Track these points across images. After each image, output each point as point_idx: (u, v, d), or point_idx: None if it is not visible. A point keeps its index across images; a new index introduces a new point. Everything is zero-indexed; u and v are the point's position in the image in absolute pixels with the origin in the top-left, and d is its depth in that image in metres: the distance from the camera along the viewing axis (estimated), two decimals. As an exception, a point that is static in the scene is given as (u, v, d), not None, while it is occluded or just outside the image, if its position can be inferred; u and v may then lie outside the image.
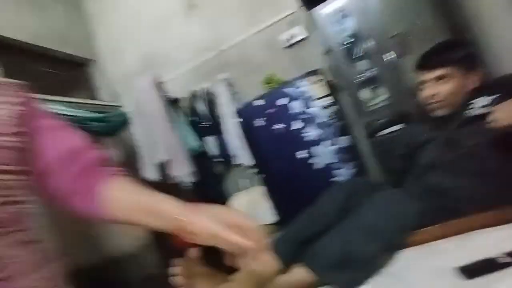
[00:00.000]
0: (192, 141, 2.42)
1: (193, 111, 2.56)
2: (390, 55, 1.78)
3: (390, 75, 1.80)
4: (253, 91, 2.29)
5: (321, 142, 1.83)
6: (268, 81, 2.19)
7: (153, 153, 2.35)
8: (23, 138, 0.54)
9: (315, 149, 1.85)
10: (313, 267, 0.72)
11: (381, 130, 1.86)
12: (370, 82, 1.94)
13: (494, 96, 1.00)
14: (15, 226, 0.51)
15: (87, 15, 2.88)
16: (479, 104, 1.03)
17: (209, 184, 2.67)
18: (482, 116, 1.01)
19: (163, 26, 2.66)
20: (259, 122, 2.03)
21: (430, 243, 0.71)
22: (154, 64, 2.68)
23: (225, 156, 2.59)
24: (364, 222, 0.74)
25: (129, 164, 2.39)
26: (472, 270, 0.59)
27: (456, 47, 1.11)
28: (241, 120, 2.17)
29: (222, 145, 2.55)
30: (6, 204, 0.50)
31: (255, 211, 2.27)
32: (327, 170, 1.83)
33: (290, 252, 0.77)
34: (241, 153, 2.50)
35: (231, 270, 0.66)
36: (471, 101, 1.05)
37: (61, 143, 0.57)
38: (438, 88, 1.08)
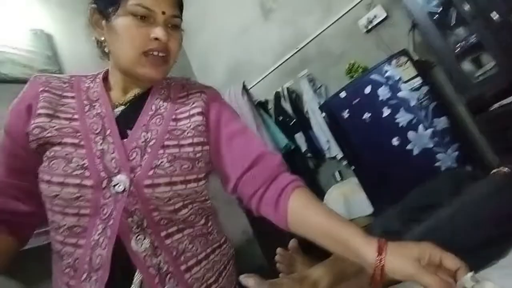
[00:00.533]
0: (282, 139, 2.54)
1: (280, 111, 2.69)
2: (494, 15, 1.54)
3: (496, 38, 1.55)
4: (337, 83, 2.27)
5: (415, 126, 1.70)
6: (351, 71, 2.14)
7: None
8: (203, 147, 0.61)
9: (409, 135, 1.73)
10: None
11: (491, 105, 1.61)
12: (471, 51, 1.71)
13: None
14: (196, 222, 0.61)
15: (180, 40, 3.29)
16: None
17: (301, 176, 2.75)
18: None
19: (244, 35, 2.86)
20: (345, 113, 2.00)
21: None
22: (240, 72, 2.91)
23: (315, 151, 2.63)
24: (468, 208, 0.70)
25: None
26: None
27: None
28: (326, 113, 2.18)
29: (311, 141, 2.61)
30: (189, 205, 0.60)
31: (350, 203, 2.25)
32: (425, 155, 1.69)
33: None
34: (330, 146, 2.51)
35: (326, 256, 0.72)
36: None
37: (247, 148, 0.62)
38: None
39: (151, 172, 0.54)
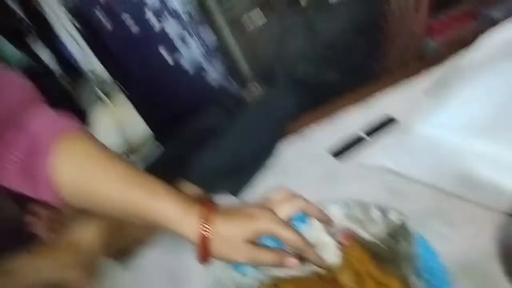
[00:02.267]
0: (12, 52, 1.79)
1: (5, 12, 1.82)
2: None
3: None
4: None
5: (185, 40, 1.62)
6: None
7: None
8: None
9: (180, 49, 1.64)
10: (199, 181, 0.68)
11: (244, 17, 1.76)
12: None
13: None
14: None
15: None
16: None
17: (56, 105, 2.17)
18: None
19: None
20: (103, 17, 1.60)
21: (303, 131, 0.75)
22: None
23: (68, 67, 2.08)
24: (245, 124, 0.71)
25: None
26: (340, 150, 0.66)
27: None
28: (76, 17, 1.66)
29: (60, 53, 2.01)
30: None
31: (123, 128, 2.03)
32: (196, 71, 1.69)
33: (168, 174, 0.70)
34: (90, 61, 2.05)
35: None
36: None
37: None
38: None
39: None
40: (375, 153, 0.58)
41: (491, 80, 0.52)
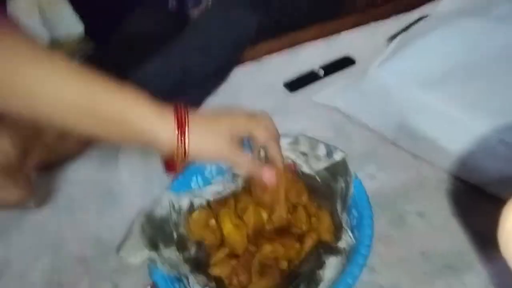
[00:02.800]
0: None
1: None
2: None
3: None
4: None
5: None
6: None
7: None
8: None
9: None
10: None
11: None
12: None
13: None
14: None
15: None
16: None
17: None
18: None
19: None
20: None
21: (262, 59, 0.70)
22: None
23: None
24: (198, 38, 0.64)
25: None
26: (294, 84, 0.64)
27: None
28: None
29: None
30: None
31: (49, 18, 1.70)
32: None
33: None
34: None
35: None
36: None
37: None
38: None
39: None
40: (328, 92, 0.58)
41: (451, 35, 0.52)
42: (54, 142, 0.51)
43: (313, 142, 0.41)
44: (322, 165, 0.41)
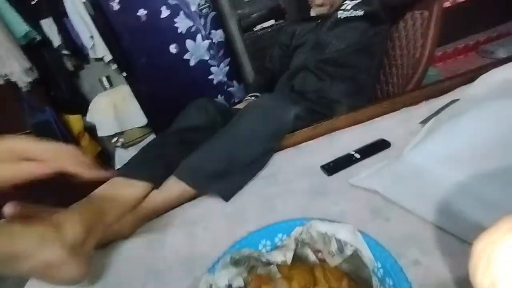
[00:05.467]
0: (19, 24, 1.79)
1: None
2: None
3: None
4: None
5: (194, 35, 1.63)
6: None
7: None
8: None
9: (187, 43, 1.65)
10: (191, 180, 0.68)
11: (255, 25, 1.78)
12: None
13: (356, 1, 1.04)
14: None
15: None
16: (348, 7, 1.06)
17: (57, 83, 2.17)
18: (349, 19, 1.05)
19: None
20: (115, 4, 1.61)
21: (299, 145, 0.76)
22: None
23: (75, 48, 2.08)
24: (242, 130, 0.72)
25: None
26: (332, 167, 0.67)
27: None
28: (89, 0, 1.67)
29: (68, 33, 2.01)
30: None
31: (121, 114, 2.03)
32: (201, 67, 1.70)
33: (156, 172, 0.70)
34: (95, 44, 2.05)
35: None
36: (343, 3, 1.07)
37: None
38: None
39: None
40: (365, 175, 0.60)
41: (482, 116, 0.54)
42: (114, 223, 0.57)
43: (326, 238, 0.41)
44: (337, 260, 0.40)
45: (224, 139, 0.72)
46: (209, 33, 1.64)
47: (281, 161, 0.74)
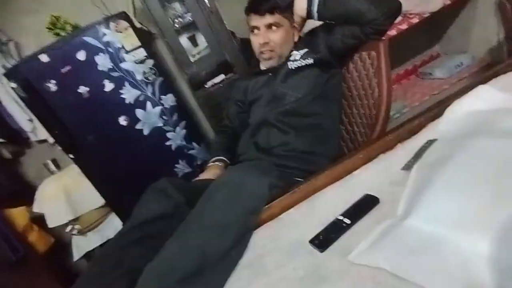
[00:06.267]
0: None
1: None
2: (205, -1, 1.61)
3: (207, 20, 1.64)
4: (34, 40, 1.65)
5: (143, 103, 1.55)
6: (55, 26, 1.60)
7: None
8: None
9: (137, 113, 1.55)
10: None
11: (206, 82, 1.75)
12: (188, 28, 1.75)
13: (304, 50, 1.04)
14: None
15: None
16: (296, 57, 1.05)
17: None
18: (300, 69, 1.04)
19: None
20: (52, 85, 1.49)
21: (280, 217, 0.67)
22: None
23: (10, 132, 1.90)
24: (214, 216, 0.62)
25: None
26: (322, 240, 0.58)
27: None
28: (19, 84, 1.52)
29: (2, 119, 1.83)
30: None
31: (73, 198, 1.82)
32: (156, 135, 1.60)
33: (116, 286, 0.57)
34: (36, 127, 1.89)
35: None
36: (291, 54, 1.06)
37: None
38: (269, 36, 1.03)
39: None
40: (364, 247, 0.51)
41: (473, 162, 0.49)
42: None
43: None
44: None
45: (192, 230, 0.61)
46: (160, 99, 1.56)
47: (263, 240, 0.64)
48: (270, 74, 1.10)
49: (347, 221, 0.59)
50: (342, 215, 0.60)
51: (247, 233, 0.64)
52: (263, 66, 1.14)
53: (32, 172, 2.12)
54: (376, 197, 0.61)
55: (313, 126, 1.00)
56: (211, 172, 1.02)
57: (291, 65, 1.04)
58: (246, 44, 1.20)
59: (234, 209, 0.61)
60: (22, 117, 1.86)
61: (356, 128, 1.05)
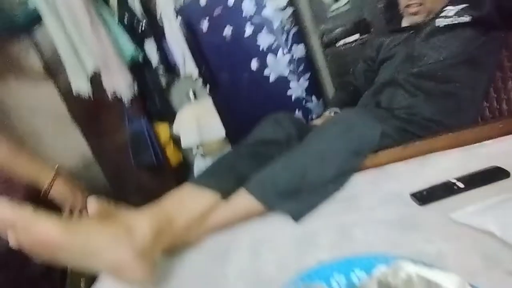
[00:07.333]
0: (128, 46, 2.06)
1: (126, 9, 2.13)
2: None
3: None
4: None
5: (275, 50, 1.65)
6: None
7: (79, 62, 1.98)
8: None
9: (268, 59, 1.67)
10: (261, 195, 0.65)
11: (338, 40, 1.72)
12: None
13: (462, 6, 0.89)
14: None
15: None
16: (449, 14, 0.92)
17: (152, 97, 2.44)
18: (450, 27, 0.91)
19: None
20: (205, 25, 1.74)
21: (385, 167, 0.66)
22: None
23: (168, 65, 2.32)
24: (320, 145, 0.66)
25: (55, 74, 2.02)
26: (425, 196, 0.56)
27: None
28: (183, 22, 1.84)
29: (164, 53, 2.25)
30: None
31: (202, 126, 2.16)
32: (280, 83, 1.70)
33: (226, 183, 0.68)
34: (185, 62, 2.25)
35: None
36: (444, 9, 0.94)
37: None
38: None
39: None
40: (473, 209, 0.47)
41: None
42: (181, 232, 0.57)
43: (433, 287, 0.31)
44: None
45: (299, 154, 0.67)
46: (290, 48, 1.63)
47: (362, 183, 0.65)
48: (411, 31, 1.01)
49: (460, 185, 0.55)
50: (456, 178, 0.56)
51: (347, 173, 0.66)
52: (405, 22, 1.05)
53: (177, 100, 2.58)
54: (507, 171, 0.54)
55: (449, 94, 0.89)
56: (325, 120, 1.05)
57: (440, 22, 0.92)
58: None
59: (339, 145, 0.64)
60: (178, 53, 2.24)
61: (504, 105, 0.89)
